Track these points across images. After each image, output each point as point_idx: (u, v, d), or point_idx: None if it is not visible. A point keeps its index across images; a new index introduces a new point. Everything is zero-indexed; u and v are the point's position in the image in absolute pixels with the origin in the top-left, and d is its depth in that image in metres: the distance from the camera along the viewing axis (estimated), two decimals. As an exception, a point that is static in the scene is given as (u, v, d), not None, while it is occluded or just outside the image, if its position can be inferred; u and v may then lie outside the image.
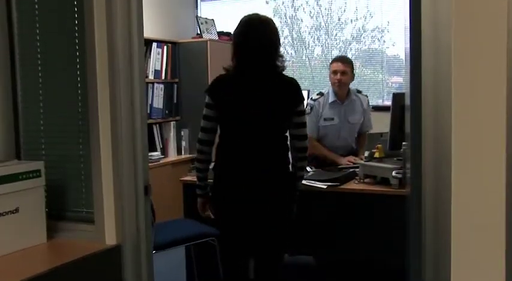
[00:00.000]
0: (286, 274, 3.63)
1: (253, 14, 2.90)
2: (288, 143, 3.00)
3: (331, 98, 4.36)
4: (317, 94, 4.50)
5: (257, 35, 2.81)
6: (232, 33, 2.97)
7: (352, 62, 4.42)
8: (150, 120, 5.53)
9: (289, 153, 2.98)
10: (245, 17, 2.90)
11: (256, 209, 2.88)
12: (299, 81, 2.99)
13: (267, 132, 2.86)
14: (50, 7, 2.51)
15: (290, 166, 2.99)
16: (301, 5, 6.51)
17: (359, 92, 4.56)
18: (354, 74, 4.42)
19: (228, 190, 2.91)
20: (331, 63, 4.41)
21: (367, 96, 4.57)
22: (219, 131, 2.96)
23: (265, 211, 2.88)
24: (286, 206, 2.95)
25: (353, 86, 4.48)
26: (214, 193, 3.00)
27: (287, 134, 2.97)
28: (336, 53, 6.36)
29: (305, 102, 3.35)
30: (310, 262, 4.21)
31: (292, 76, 3.02)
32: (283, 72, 2.94)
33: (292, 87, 2.91)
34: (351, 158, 4.22)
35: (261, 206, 2.87)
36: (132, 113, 2.37)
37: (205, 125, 2.90)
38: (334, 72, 4.30)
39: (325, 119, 4.37)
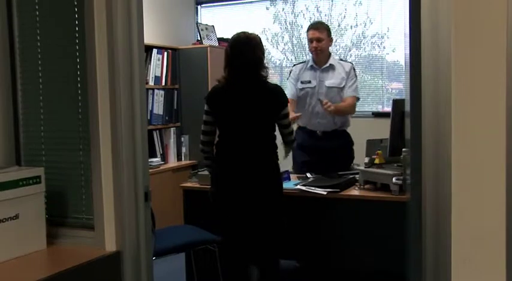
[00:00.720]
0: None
1: (241, 33, 3.36)
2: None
3: (310, 63, 4.45)
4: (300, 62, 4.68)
5: (244, 52, 3.25)
6: (224, 49, 3.44)
7: (327, 27, 4.43)
8: (150, 127, 5.54)
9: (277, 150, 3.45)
10: (235, 35, 3.37)
11: (247, 210, 3.32)
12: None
13: (255, 136, 3.32)
14: (50, 13, 2.52)
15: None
16: (301, 11, 6.53)
17: (342, 60, 4.58)
18: (332, 38, 4.46)
19: (223, 194, 3.37)
20: (306, 31, 4.47)
21: (351, 63, 4.51)
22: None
23: (255, 209, 3.32)
24: (274, 204, 3.37)
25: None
26: (213, 193, 3.44)
27: (275, 132, 3.41)
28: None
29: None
30: (307, 267, 4.20)
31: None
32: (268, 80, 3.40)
33: (277, 93, 3.36)
34: (295, 115, 4.11)
35: (252, 206, 3.31)
36: (132, 119, 2.37)
37: (205, 129, 3.38)
38: (310, 40, 4.38)
39: (302, 82, 4.44)
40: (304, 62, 4.57)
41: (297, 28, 6.58)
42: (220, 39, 6.30)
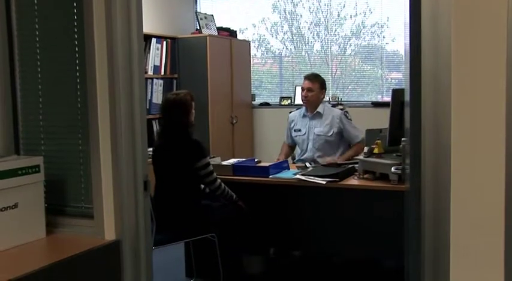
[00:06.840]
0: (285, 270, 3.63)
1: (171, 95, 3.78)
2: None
3: (303, 112, 4.62)
4: (296, 108, 4.87)
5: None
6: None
7: (321, 80, 4.57)
8: (149, 116, 5.53)
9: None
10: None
11: None
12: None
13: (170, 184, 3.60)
14: (49, 5, 2.51)
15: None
16: (301, 0, 6.50)
17: (334, 105, 4.75)
18: (324, 90, 4.58)
19: None
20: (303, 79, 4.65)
21: (342, 109, 4.57)
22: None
23: None
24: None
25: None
26: None
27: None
28: (335, 48, 6.36)
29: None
30: (307, 256, 4.21)
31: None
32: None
33: (192, 146, 3.58)
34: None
35: None
36: (131, 108, 2.36)
37: None
38: (302, 89, 4.58)
39: (295, 130, 4.64)
40: (301, 108, 4.71)
41: (296, 18, 6.56)
42: (219, 29, 6.28)
